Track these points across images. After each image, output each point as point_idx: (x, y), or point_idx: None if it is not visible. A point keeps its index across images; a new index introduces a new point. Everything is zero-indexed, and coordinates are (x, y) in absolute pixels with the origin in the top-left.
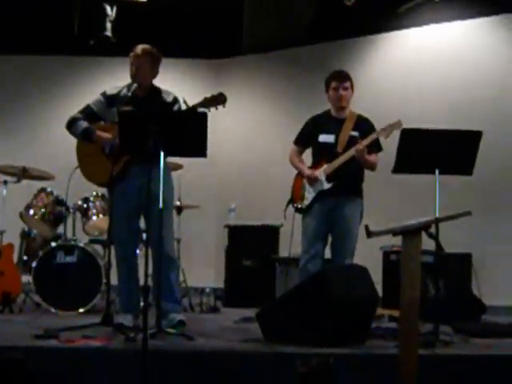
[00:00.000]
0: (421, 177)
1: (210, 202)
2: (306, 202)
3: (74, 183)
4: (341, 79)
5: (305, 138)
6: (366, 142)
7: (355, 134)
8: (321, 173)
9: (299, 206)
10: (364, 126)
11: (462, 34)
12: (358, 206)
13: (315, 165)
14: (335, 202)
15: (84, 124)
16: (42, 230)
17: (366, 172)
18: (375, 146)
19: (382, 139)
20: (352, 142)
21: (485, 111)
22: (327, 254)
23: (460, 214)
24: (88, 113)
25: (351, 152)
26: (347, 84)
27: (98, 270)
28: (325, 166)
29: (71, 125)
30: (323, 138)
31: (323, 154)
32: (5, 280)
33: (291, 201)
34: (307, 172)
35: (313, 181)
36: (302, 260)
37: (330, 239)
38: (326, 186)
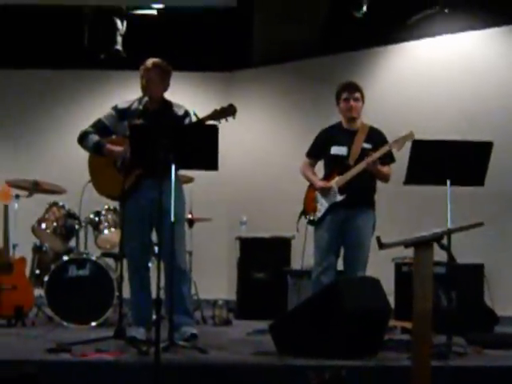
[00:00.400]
0: (433, 188)
1: (221, 215)
2: (319, 214)
3: (87, 197)
4: (351, 90)
5: (317, 151)
6: (377, 154)
7: (367, 146)
8: (333, 185)
9: (311, 218)
10: (376, 137)
11: (473, 44)
12: (371, 217)
13: (327, 177)
14: (347, 213)
15: (95, 138)
16: (53, 244)
17: (378, 183)
18: (388, 158)
19: (394, 151)
20: (364, 154)
21: (498, 121)
22: (340, 265)
23: (472, 225)
24: (99, 127)
25: (363, 164)
26: (357, 95)
27: (110, 283)
28: (336, 179)
29: (83, 139)
30: (335, 150)
31: (335, 166)
32: (17, 294)
33: (304, 213)
34: (320, 184)
35: (326, 191)
36: (315, 272)
37: (342, 251)
38: (339, 198)
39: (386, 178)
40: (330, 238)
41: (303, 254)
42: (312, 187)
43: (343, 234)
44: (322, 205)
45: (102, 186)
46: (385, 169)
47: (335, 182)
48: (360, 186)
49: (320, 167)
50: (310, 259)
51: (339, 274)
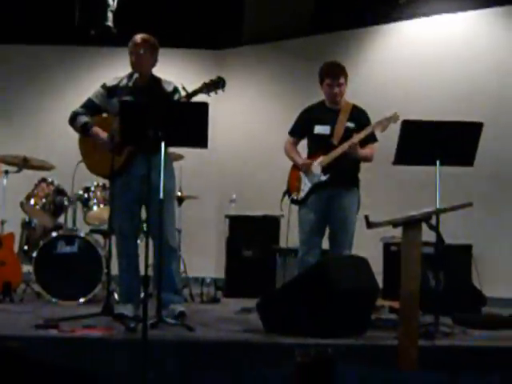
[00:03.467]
0: (422, 168)
1: (210, 193)
2: (302, 194)
3: (77, 173)
4: (335, 76)
5: (300, 129)
6: (360, 135)
7: (351, 125)
8: (317, 165)
9: (295, 198)
10: (359, 116)
11: (465, 24)
12: (355, 196)
13: (311, 156)
14: (331, 193)
15: (84, 119)
16: (42, 220)
17: (368, 163)
18: (370, 138)
19: (377, 132)
20: (348, 133)
21: (490, 103)
22: (325, 244)
23: (461, 206)
24: (90, 106)
25: (346, 145)
26: (342, 80)
27: (99, 260)
28: (321, 158)
29: (73, 120)
30: (318, 129)
31: (319, 145)
32: (5, 270)
33: (287, 192)
34: (300, 161)
35: (307, 168)
36: (300, 252)
37: (327, 230)
38: (322, 177)
39: (368, 160)
40: (314, 218)
41: (287, 234)
42: (295, 166)
43: (328, 213)
44: (306, 184)
45: (94, 165)
46: (365, 150)
47: (319, 161)
48: (344, 166)
49: (303, 146)
50: (296, 238)
51: (324, 253)
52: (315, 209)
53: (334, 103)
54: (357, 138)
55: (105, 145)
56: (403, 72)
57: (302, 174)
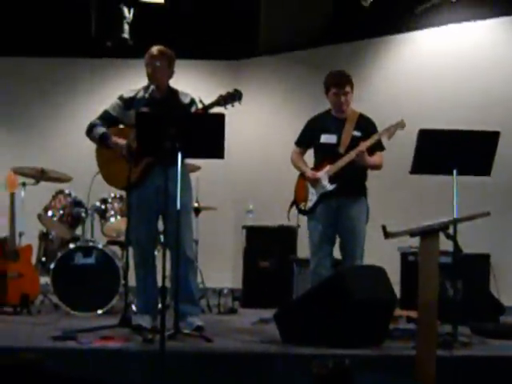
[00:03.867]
0: (439, 177)
1: (227, 204)
2: (310, 204)
3: (94, 185)
4: (341, 85)
5: (306, 139)
6: (368, 142)
7: (357, 133)
8: (323, 174)
9: (302, 208)
10: (366, 125)
11: (480, 34)
12: (363, 205)
13: (318, 166)
14: (339, 202)
15: (101, 130)
16: (60, 232)
17: (385, 173)
18: (378, 146)
19: (384, 140)
20: (354, 142)
21: (506, 113)
22: (336, 253)
23: (478, 215)
24: (106, 118)
25: (353, 154)
26: (347, 88)
27: (116, 271)
28: (327, 168)
29: (90, 131)
30: (325, 138)
31: (326, 154)
32: (23, 281)
33: (294, 202)
34: (309, 174)
35: (315, 182)
36: (312, 264)
37: (337, 239)
38: (330, 187)
39: (376, 167)
40: (323, 228)
41: (296, 242)
42: (302, 176)
43: (337, 222)
44: (313, 194)
45: (111, 177)
46: (373, 158)
47: (326, 171)
48: (351, 175)
49: (309, 155)
50: (307, 247)
51: (337, 263)
52: (323, 219)
53: (341, 112)
54: (364, 145)
55: (124, 151)
56: (418, 82)
57: (308, 184)
